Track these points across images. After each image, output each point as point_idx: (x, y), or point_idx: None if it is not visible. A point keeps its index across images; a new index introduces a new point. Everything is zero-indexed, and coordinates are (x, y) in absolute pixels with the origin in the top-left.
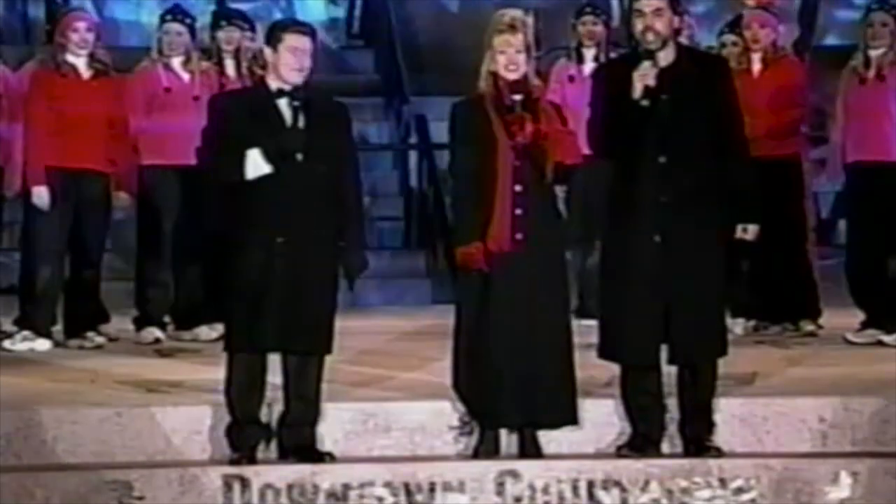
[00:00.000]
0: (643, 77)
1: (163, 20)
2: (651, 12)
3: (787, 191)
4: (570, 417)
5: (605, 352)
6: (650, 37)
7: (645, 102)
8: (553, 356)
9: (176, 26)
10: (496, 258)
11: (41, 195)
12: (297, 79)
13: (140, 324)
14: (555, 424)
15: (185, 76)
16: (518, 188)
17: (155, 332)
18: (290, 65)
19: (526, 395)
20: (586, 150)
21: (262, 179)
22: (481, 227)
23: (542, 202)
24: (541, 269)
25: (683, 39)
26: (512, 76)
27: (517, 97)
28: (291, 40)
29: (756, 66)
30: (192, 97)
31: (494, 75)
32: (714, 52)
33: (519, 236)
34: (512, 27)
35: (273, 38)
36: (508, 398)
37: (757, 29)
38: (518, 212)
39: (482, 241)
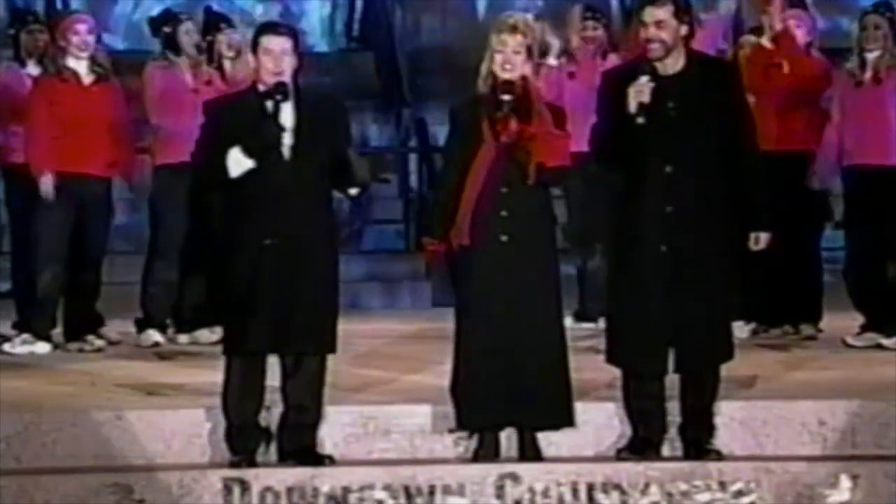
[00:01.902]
0: (638, 94)
1: (177, 21)
2: (653, 23)
3: (800, 190)
4: (565, 419)
5: (614, 359)
6: (654, 46)
7: (640, 120)
8: (545, 358)
9: (192, 25)
10: (480, 261)
11: (47, 182)
12: (273, 81)
13: (142, 325)
14: (549, 426)
15: (190, 77)
16: (504, 189)
17: (155, 336)
18: (266, 67)
19: (516, 396)
20: (577, 149)
21: (251, 180)
22: (449, 220)
23: (531, 204)
24: (530, 271)
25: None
26: (507, 76)
27: (506, 97)
28: (266, 42)
29: (786, 69)
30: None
31: (493, 76)
32: (724, 58)
33: (504, 238)
34: (513, 28)
35: (253, 41)
36: (496, 399)
37: (794, 29)
38: (503, 213)
39: (447, 235)
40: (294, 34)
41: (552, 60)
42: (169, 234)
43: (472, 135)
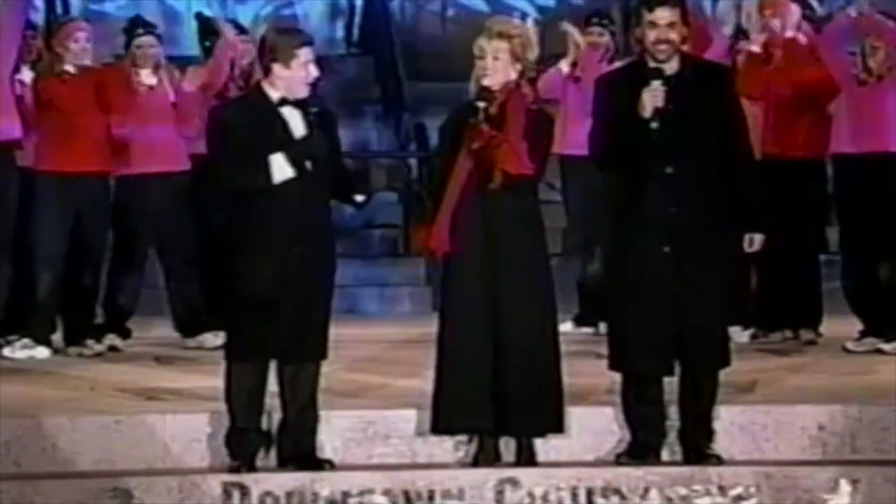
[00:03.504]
0: (654, 98)
1: (133, 34)
2: (666, 25)
3: (804, 194)
4: (551, 426)
5: (617, 364)
6: (663, 48)
7: (655, 125)
8: (528, 364)
9: (149, 39)
10: (460, 267)
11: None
12: (306, 92)
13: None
14: (532, 433)
15: (152, 84)
16: (481, 197)
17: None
18: (304, 79)
19: (497, 403)
20: (578, 152)
21: (276, 188)
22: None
23: (511, 211)
24: (511, 278)
25: None
26: (487, 83)
27: (480, 104)
28: (305, 55)
29: (789, 76)
30: (169, 104)
31: (479, 83)
32: (717, 62)
33: (481, 245)
34: (497, 35)
35: (283, 53)
36: (474, 405)
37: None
38: (481, 221)
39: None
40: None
41: (564, 67)
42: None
43: (457, 142)
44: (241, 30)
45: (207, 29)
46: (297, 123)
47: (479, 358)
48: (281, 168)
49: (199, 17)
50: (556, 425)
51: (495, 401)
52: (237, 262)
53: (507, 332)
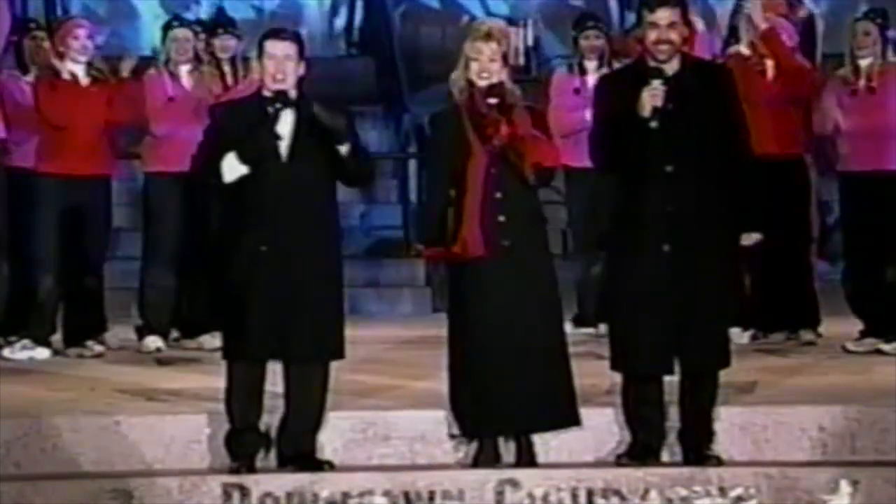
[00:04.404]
0: (653, 97)
1: (169, 27)
2: (666, 25)
3: (793, 194)
4: (572, 419)
5: (620, 364)
6: (664, 48)
7: (654, 124)
8: (546, 359)
9: (184, 32)
10: (481, 266)
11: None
12: (275, 86)
13: (142, 332)
14: (555, 427)
15: (190, 84)
16: (498, 195)
17: (156, 342)
18: (267, 71)
19: (521, 402)
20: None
21: (248, 186)
22: (450, 231)
23: (525, 208)
24: (528, 275)
25: None
26: (484, 84)
27: (492, 101)
28: (269, 47)
29: (770, 73)
30: (198, 104)
31: (470, 85)
32: (718, 62)
33: (506, 243)
34: (488, 36)
35: (259, 46)
36: (503, 405)
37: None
38: (501, 219)
39: (447, 246)
40: (298, 40)
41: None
42: (164, 239)
43: (457, 144)
44: (231, 23)
45: (216, 29)
46: (285, 121)
47: (503, 359)
48: (231, 167)
49: (220, 11)
50: (575, 418)
51: (517, 400)
52: (220, 260)
53: (529, 329)
